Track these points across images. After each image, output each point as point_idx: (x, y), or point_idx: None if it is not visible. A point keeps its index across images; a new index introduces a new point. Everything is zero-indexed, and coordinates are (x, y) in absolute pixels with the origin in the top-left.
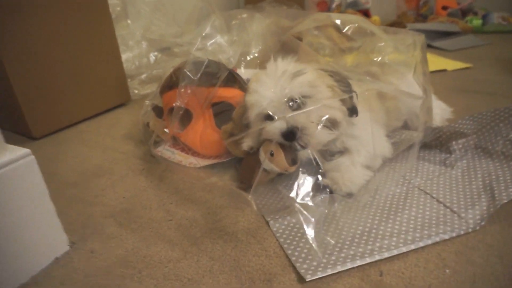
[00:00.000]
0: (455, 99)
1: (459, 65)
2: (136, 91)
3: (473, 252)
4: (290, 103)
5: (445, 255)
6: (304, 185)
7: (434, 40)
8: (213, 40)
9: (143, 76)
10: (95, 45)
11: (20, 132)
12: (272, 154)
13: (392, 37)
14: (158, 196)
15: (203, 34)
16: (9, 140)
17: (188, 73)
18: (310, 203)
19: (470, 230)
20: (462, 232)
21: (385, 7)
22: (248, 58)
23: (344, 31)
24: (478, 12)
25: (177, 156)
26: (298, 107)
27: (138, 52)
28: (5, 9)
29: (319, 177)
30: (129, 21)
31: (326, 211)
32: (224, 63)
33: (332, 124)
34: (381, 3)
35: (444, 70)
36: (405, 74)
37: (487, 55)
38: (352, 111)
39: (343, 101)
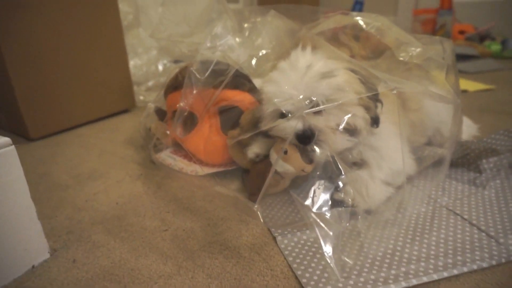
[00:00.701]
0: (479, 118)
1: (481, 86)
2: (141, 98)
3: None
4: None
5: (485, 286)
6: (321, 193)
7: None
8: (223, 40)
9: (150, 83)
10: (102, 49)
11: (17, 132)
12: (285, 152)
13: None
14: (154, 204)
15: (213, 34)
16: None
17: (195, 72)
18: (328, 215)
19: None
20: (503, 261)
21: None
22: (260, 54)
23: (366, 29)
24: (496, 38)
25: (179, 163)
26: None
27: (147, 59)
28: (9, 7)
29: (340, 183)
30: (140, 30)
31: (347, 224)
32: (235, 65)
33: (351, 131)
34: (397, 25)
35: (465, 91)
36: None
37: (509, 78)
38: (375, 121)
39: (367, 109)
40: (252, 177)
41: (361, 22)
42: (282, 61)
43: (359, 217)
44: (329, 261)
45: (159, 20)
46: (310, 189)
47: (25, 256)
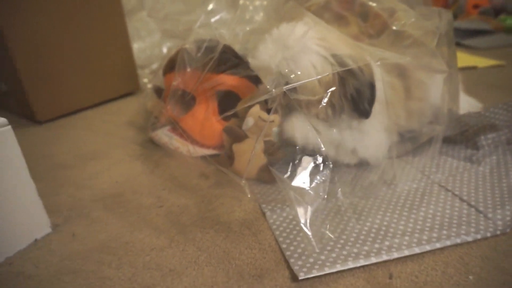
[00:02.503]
0: (486, 95)
1: (490, 62)
2: (145, 80)
3: (503, 257)
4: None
5: (469, 259)
6: (301, 165)
7: (464, 38)
8: (218, 17)
9: (154, 66)
10: (104, 32)
11: (26, 116)
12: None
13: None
14: (151, 182)
15: (208, 9)
16: (13, 123)
17: (188, 51)
18: (307, 188)
19: (498, 232)
20: (488, 235)
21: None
22: (248, 28)
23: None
24: None
25: (174, 142)
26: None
27: (150, 42)
28: None
29: (318, 156)
30: (144, 13)
31: (326, 197)
32: (223, 41)
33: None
34: (408, 2)
35: (474, 68)
36: (435, 76)
37: None
38: (363, 113)
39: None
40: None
41: None
42: (267, 34)
43: (348, 194)
44: (308, 233)
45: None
46: (289, 163)
47: (27, 230)
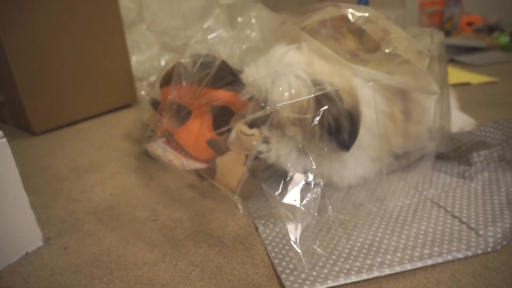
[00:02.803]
0: (479, 112)
1: (484, 79)
2: (143, 93)
3: (494, 274)
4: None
5: (461, 276)
6: (292, 183)
7: (458, 54)
8: (215, 34)
9: (152, 78)
10: (102, 44)
11: (22, 127)
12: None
13: (407, 33)
14: (146, 195)
15: (205, 27)
16: (9, 134)
17: (184, 65)
18: (298, 205)
19: (489, 249)
20: (479, 252)
21: (407, 23)
22: (244, 47)
23: (353, 21)
24: (506, 29)
25: (169, 155)
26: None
27: (149, 55)
28: (10, 2)
29: (309, 174)
30: (143, 26)
31: (317, 214)
32: (220, 58)
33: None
34: (402, 19)
35: (467, 84)
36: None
37: None
38: (342, 145)
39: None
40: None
41: (349, 15)
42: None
43: (341, 210)
44: (298, 251)
45: (154, 13)
46: (280, 180)
47: (19, 243)
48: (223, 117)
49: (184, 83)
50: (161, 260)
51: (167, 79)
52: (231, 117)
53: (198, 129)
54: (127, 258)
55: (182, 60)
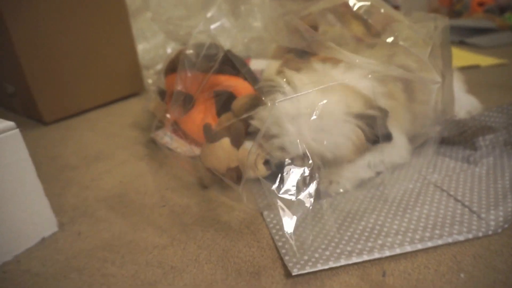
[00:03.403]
0: (487, 95)
1: (493, 61)
2: (150, 81)
3: (495, 256)
4: None
5: (461, 258)
6: (289, 177)
7: (468, 36)
8: (218, 23)
9: (159, 66)
10: (109, 33)
11: (32, 117)
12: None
13: (410, 19)
14: (155, 182)
15: (207, 16)
16: (20, 124)
17: (188, 56)
18: (293, 199)
19: (490, 232)
20: (480, 235)
21: (416, 5)
22: (245, 40)
23: (355, 9)
24: None
25: (175, 143)
26: None
27: (155, 43)
28: None
29: (306, 168)
30: (149, 14)
31: (310, 207)
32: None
33: None
34: (411, 0)
35: (477, 66)
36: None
37: None
38: (385, 137)
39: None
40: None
41: (350, 2)
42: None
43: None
44: (292, 243)
45: (158, 3)
46: (278, 174)
47: (35, 229)
48: (225, 101)
49: (188, 72)
50: (170, 244)
51: (171, 67)
52: (233, 101)
53: (202, 116)
54: (138, 243)
55: (186, 50)
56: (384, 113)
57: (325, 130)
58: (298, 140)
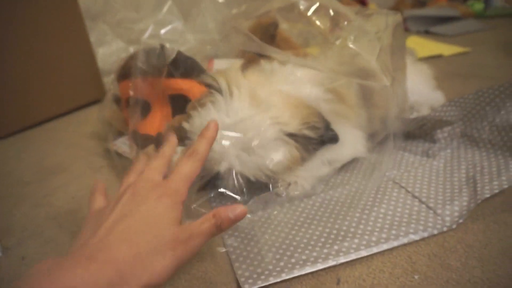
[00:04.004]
0: (449, 84)
1: (456, 49)
2: (112, 87)
3: (449, 254)
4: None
5: (417, 258)
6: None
7: (432, 25)
8: (169, 27)
9: None
10: (63, 40)
11: None
12: None
13: (362, 18)
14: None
15: (156, 20)
16: None
17: (140, 64)
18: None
19: (445, 229)
20: (435, 232)
21: None
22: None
23: (303, 10)
24: None
25: (133, 152)
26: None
27: (116, 47)
28: None
29: (251, 177)
30: (108, 17)
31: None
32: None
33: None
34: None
35: (440, 56)
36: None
37: (488, 39)
38: (330, 140)
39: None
40: None
41: (301, 5)
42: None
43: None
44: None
45: (107, 4)
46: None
47: None
48: (180, 105)
49: (140, 77)
50: None
51: (123, 73)
52: (187, 103)
53: (159, 120)
54: None
55: (137, 58)
56: (326, 123)
57: (254, 149)
58: (219, 156)
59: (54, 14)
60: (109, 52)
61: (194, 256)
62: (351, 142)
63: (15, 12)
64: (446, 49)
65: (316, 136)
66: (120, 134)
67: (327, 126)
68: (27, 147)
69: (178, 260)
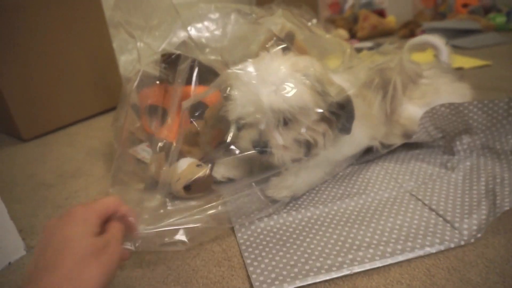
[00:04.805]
0: (472, 98)
1: (477, 62)
2: (132, 96)
3: (469, 268)
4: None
5: (435, 271)
6: None
7: (453, 38)
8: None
9: None
10: (88, 47)
11: (11, 134)
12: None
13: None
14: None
15: (174, 29)
16: None
17: (157, 72)
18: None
19: (462, 243)
20: (452, 245)
21: (401, 6)
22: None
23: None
24: (502, 9)
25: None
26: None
27: (137, 55)
28: None
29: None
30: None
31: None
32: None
33: (309, 145)
34: (397, 2)
35: (460, 69)
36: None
37: (509, 52)
38: (344, 129)
39: (329, 123)
40: None
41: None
42: (250, 61)
43: (310, 208)
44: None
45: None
46: None
47: (1, 254)
48: (199, 112)
49: (159, 87)
50: (138, 265)
51: (142, 83)
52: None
53: (177, 126)
54: None
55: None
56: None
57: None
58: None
59: (80, 22)
60: (130, 59)
61: (118, 262)
62: (354, 141)
63: (42, 23)
64: (467, 61)
65: (336, 106)
66: (139, 141)
67: (350, 111)
68: (49, 151)
69: (105, 267)
